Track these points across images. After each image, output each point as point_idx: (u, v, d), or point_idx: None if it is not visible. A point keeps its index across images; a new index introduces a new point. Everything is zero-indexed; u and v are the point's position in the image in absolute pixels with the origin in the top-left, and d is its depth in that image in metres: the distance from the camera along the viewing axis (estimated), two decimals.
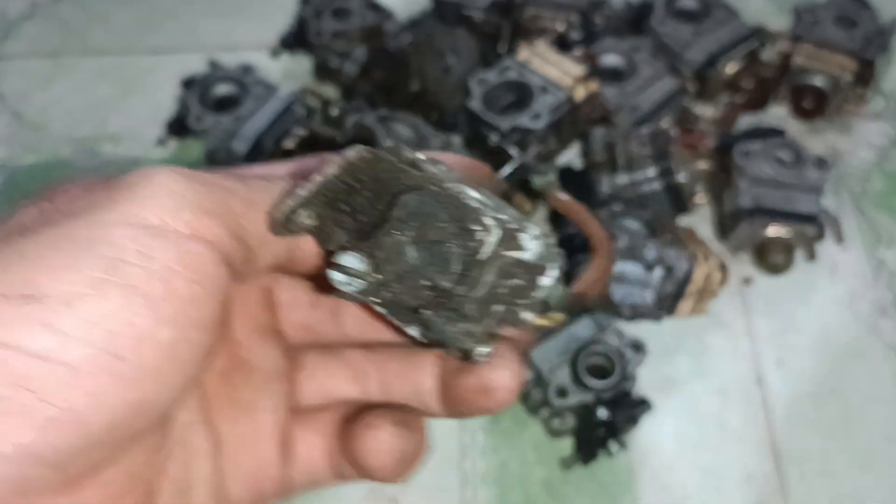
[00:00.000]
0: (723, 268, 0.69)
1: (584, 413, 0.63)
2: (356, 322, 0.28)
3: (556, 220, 0.69)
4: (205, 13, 0.94)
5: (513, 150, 0.70)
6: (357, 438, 0.26)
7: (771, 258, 0.71)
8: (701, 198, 0.74)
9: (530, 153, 0.72)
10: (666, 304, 0.67)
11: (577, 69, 0.74)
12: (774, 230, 0.71)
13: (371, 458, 0.26)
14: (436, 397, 0.26)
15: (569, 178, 0.74)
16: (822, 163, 0.72)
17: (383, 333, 0.28)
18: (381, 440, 0.25)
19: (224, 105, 0.78)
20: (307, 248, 0.25)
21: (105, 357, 0.20)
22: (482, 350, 0.22)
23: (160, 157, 0.81)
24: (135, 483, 0.23)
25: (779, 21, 0.87)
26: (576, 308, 0.62)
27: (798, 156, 0.73)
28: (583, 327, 0.65)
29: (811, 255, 0.72)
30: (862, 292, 0.73)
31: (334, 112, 0.69)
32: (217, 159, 0.78)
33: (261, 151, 0.74)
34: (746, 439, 0.66)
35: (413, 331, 0.23)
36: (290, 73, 0.86)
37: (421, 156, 0.21)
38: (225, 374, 0.27)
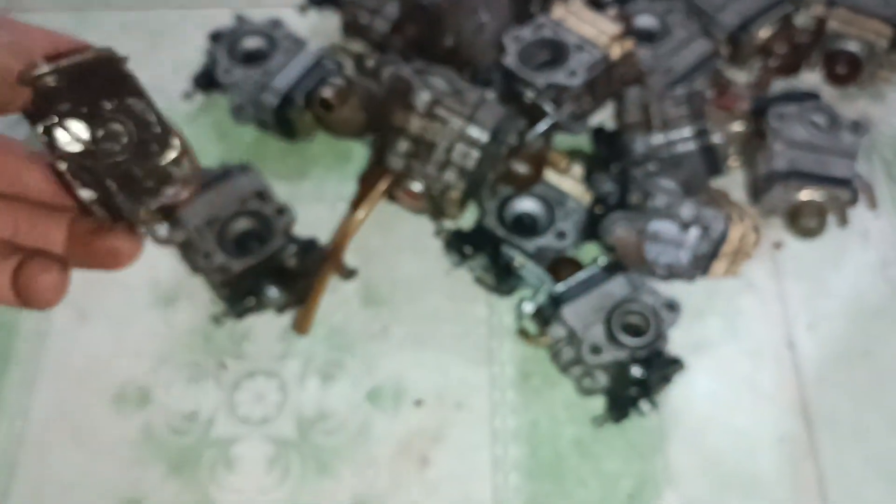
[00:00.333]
0: (757, 229, 0.68)
1: (617, 371, 0.63)
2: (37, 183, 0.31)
3: (591, 178, 0.69)
4: None
5: (548, 107, 0.69)
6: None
7: (804, 222, 0.70)
8: (734, 160, 0.74)
9: (564, 111, 0.71)
10: (701, 265, 0.66)
11: (613, 28, 0.73)
12: (808, 194, 0.70)
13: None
14: (62, 248, 0.30)
15: (602, 139, 0.73)
16: (857, 127, 0.71)
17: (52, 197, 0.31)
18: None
19: (253, 59, 0.77)
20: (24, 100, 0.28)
21: None
22: (145, 220, 0.29)
23: (186, 110, 0.80)
24: None
25: None
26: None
27: (833, 120, 0.72)
28: (618, 285, 0.65)
29: (844, 221, 0.71)
30: (894, 259, 0.73)
31: (370, 64, 0.68)
32: (244, 114, 0.77)
33: (291, 105, 0.73)
34: (778, 401, 0.66)
35: (86, 193, 0.28)
36: (317, 30, 0.85)
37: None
38: None
